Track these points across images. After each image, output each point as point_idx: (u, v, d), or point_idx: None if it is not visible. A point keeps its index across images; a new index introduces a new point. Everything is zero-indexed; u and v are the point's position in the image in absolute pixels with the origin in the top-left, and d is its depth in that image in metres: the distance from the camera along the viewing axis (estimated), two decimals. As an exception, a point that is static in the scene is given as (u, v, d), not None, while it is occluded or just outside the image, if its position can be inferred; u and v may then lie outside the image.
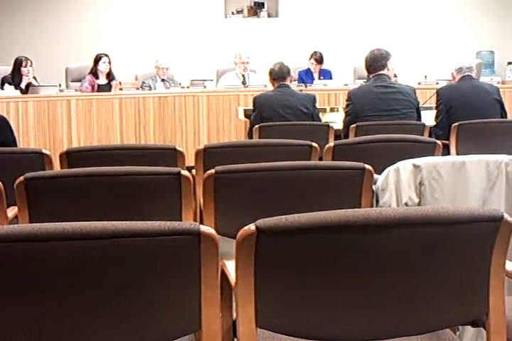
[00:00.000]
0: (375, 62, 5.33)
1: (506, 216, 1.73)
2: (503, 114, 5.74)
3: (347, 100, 5.43)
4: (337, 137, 5.14)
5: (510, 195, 2.79)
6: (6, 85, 7.59)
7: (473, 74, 5.86)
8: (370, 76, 5.45)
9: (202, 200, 2.95)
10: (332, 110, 6.91)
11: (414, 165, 2.80)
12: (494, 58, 10.63)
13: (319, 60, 9.04)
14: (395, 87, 5.42)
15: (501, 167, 2.80)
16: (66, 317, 1.62)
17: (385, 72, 5.34)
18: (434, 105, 5.86)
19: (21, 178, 2.66)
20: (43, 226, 1.55)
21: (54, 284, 1.60)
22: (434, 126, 5.60)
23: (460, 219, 1.70)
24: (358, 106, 5.29)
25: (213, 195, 2.83)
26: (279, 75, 5.70)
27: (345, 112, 5.41)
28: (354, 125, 4.99)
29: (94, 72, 8.24)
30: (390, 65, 5.37)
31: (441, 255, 1.74)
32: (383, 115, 5.22)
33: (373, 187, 2.87)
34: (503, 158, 2.82)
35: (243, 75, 8.51)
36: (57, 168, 3.71)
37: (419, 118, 5.43)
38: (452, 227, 1.71)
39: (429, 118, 5.70)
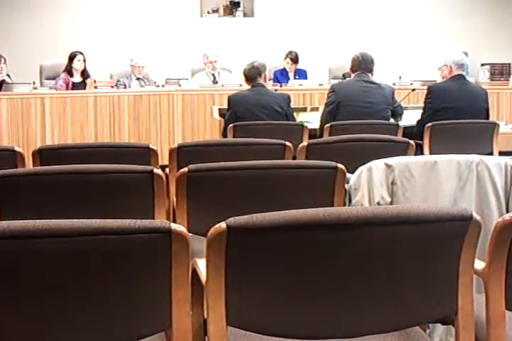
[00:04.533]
0: (367, 64, 5.58)
1: (475, 215, 1.75)
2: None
3: (329, 92, 5.62)
4: (311, 136, 5.16)
5: (480, 195, 2.81)
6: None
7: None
8: (353, 74, 5.58)
9: (175, 199, 2.95)
10: (307, 110, 6.92)
11: (387, 165, 2.82)
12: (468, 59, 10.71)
13: (295, 60, 9.06)
14: (376, 83, 5.65)
15: (472, 167, 2.82)
16: (33, 316, 1.61)
17: (369, 74, 5.60)
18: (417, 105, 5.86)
19: (-8, 176, 2.65)
20: (12, 223, 1.54)
21: (21, 282, 1.59)
22: (419, 121, 5.51)
23: (430, 218, 1.71)
24: (340, 95, 5.48)
25: (186, 194, 2.83)
26: (250, 76, 5.72)
27: (326, 103, 5.54)
28: (328, 124, 5.03)
29: (69, 70, 8.19)
30: None
31: (411, 254, 1.75)
32: (364, 106, 5.38)
33: (346, 186, 2.88)
34: (474, 158, 2.84)
35: (213, 74, 8.51)
36: (29, 165, 3.69)
37: (392, 117, 5.57)
38: (422, 226, 1.72)
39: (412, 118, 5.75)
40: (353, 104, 5.43)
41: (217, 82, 8.35)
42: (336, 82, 6.75)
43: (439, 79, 5.71)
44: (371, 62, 5.60)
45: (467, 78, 5.67)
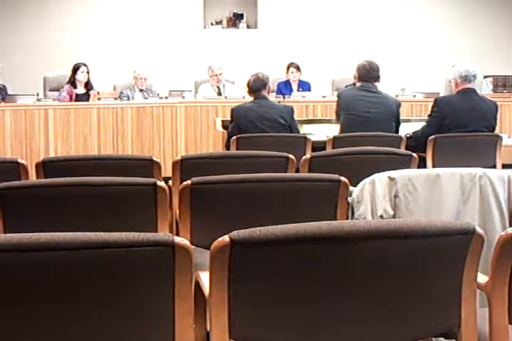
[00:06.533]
0: (374, 72, 5.55)
1: (478, 229, 1.75)
2: None
3: (337, 99, 5.68)
4: (314, 149, 5.16)
5: (483, 208, 2.81)
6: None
7: (476, 86, 5.25)
8: (358, 82, 5.61)
9: (178, 211, 2.95)
10: (310, 122, 6.93)
11: (390, 178, 2.82)
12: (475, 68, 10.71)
13: (298, 67, 9.05)
14: (379, 93, 5.62)
15: (475, 180, 2.82)
16: (36, 328, 1.61)
17: (375, 83, 5.57)
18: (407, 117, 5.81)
19: (-4, 188, 2.65)
20: (15, 236, 1.55)
21: (24, 295, 1.59)
22: (419, 132, 5.38)
23: (433, 232, 1.71)
24: (343, 103, 5.54)
25: (189, 206, 2.83)
26: (254, 88, 5.69)
27: (336, 111, 5.65)
28: (331, 137, 5.05)
29: (73, 82, 8.20)
30: None
31: (413, 267, 1.75)
32: (365, 116, 5.44)
33: (349, 199, 2.88)
34: (477, 171, 2.84)
35: (218, 87, 8.53)
36: (33, 177, 3.69)
37: (397, 130, 5.55)
38: (425, 240, 1.72)
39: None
40: (353, 113, 5.46)
41: (221, 94, 8.36)
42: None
43: (443, 92, 5.61)
44: (377, 70, 5.56)
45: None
